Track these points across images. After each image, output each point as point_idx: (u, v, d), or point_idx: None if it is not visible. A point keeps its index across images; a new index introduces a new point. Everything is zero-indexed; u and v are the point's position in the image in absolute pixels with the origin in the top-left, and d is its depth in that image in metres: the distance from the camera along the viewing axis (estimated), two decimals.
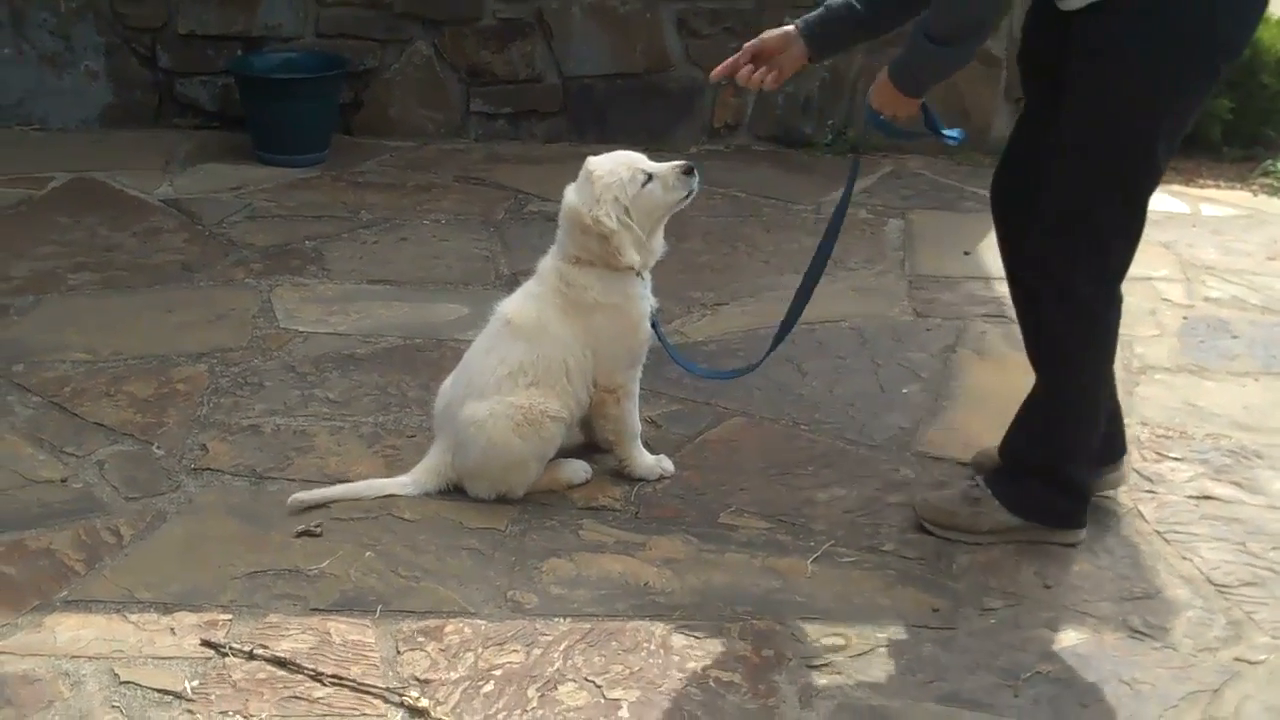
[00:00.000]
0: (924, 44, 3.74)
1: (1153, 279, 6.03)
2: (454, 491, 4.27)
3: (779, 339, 4.42)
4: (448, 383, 4.42)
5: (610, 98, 7.93)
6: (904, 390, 5.01)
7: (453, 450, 4.26)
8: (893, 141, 4.08)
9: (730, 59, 4.21)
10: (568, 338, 4.23)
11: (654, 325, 4.38)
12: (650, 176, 4.24)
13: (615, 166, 4.27)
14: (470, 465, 4.22)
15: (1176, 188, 7.02)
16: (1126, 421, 4.37)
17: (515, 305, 4.34)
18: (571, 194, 4.33)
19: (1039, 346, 4.05)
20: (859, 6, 4.06)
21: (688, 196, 4.29)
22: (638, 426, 4.41)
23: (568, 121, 7.97)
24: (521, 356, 4.21)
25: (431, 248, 6.30)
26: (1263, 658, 3.65)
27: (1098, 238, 3.82)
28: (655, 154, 7.67)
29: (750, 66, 4.17)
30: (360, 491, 4.24)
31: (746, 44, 4.20)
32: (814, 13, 4.15)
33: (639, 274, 4.30)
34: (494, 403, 4.17)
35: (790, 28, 4.16)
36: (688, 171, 4.27)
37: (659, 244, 4.36)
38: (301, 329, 5.43)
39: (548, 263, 4.37)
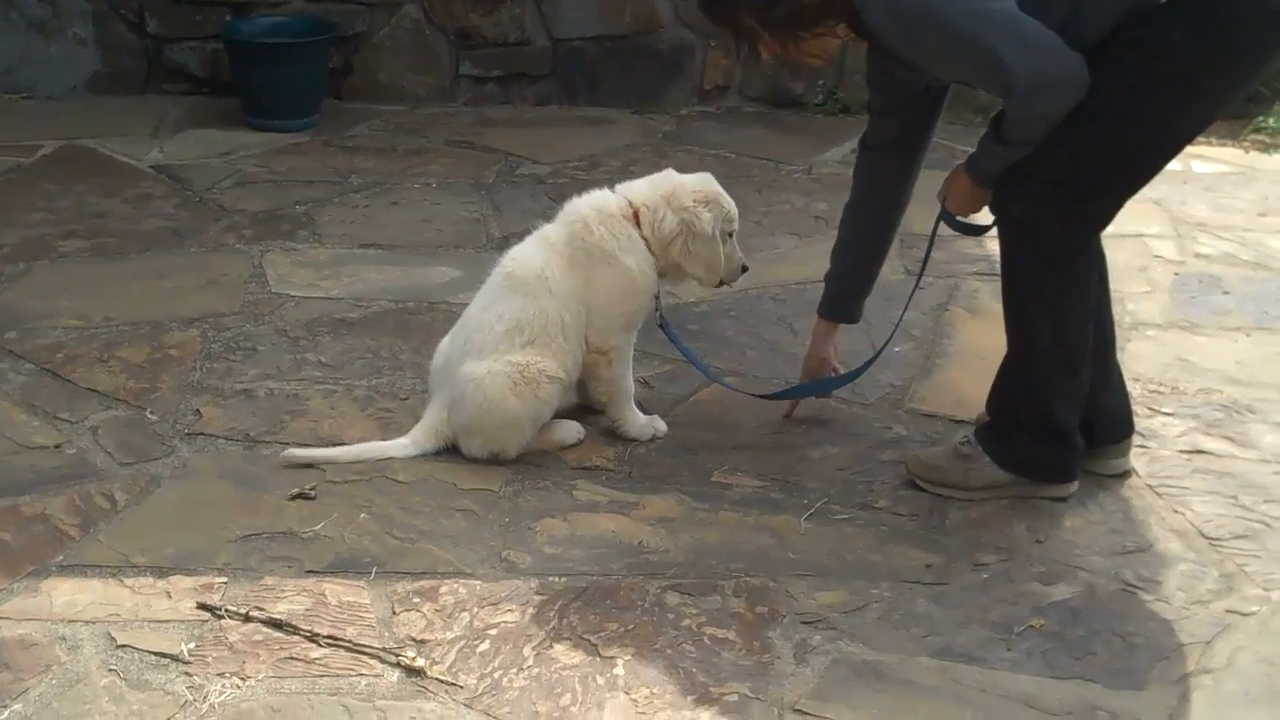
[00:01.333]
0: (998, 149, 3.82)
1: (1144, 236, 6.04)
2: (449, 452, 4.28)
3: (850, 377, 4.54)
4: (445, 340, 4.42)
5: (600, 60, 7.92)
6: (896, 349, 5.00)
7: (449, 408, 4.26)
8: (965, 235, 4.20)
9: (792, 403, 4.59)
10: (566, 291, 4.23)
11: (664, 327, 4.47)
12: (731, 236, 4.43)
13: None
14: (465, 423, 4.23)
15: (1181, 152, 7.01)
16: None
17: (522, 253, 4.36)
18: (689, 177, 4.43)
19: (1013, 296, 4.04)
20: (851, 251, 4.42)
21: (721, 284, 4.48)
22: (630, 388, 4.42)
23: (558, 84, 7.95)
24: (519, 313, 4.21)
25: (422, 211, 6.29)
26: (1254, 609, 3.67)
27: (1091, 199, 3.82)
28: (645, 116, 7.73)
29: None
30: (357, 454, 4.25)
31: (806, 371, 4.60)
32: (824, 294, 4.51)
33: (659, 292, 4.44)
34: (492, 361, 4.18)
35: (820, 325, 4.54)
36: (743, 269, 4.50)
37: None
38: (293, 293, 5.43)
39: (594, 200, 4.37)
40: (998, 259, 4.00)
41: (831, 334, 4.56)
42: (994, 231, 4.00)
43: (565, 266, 4.26)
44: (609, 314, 4.30)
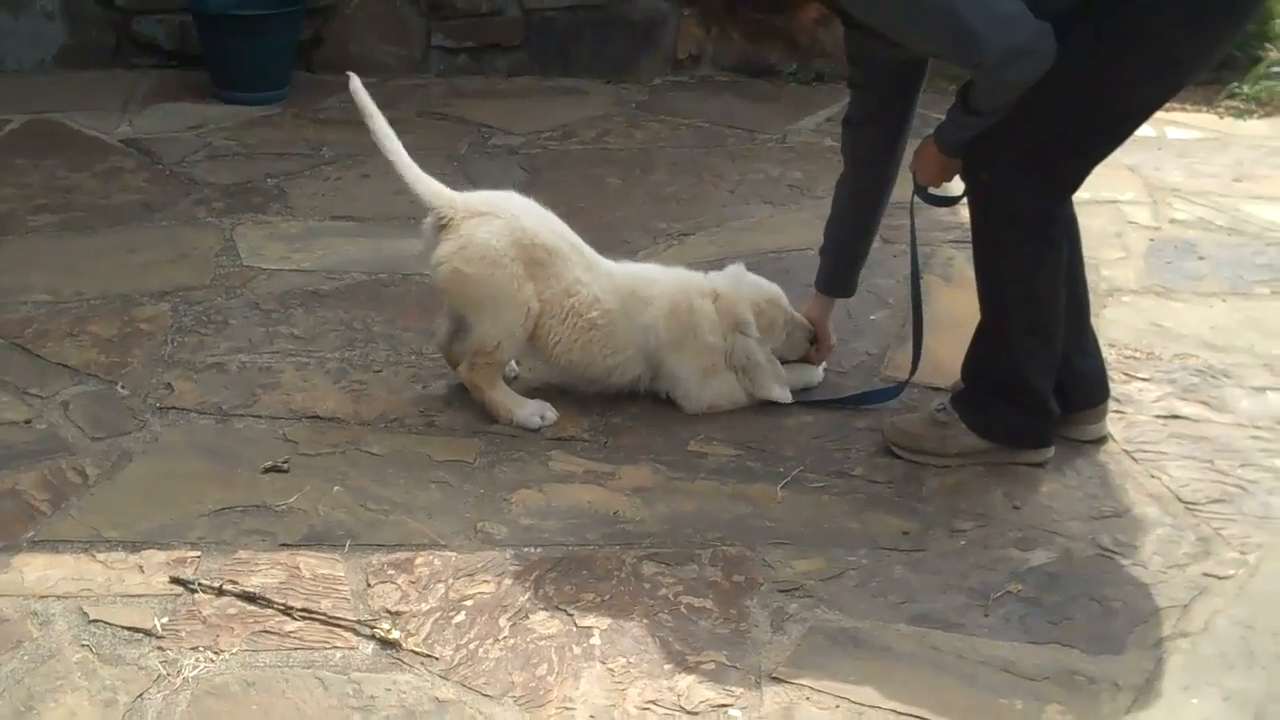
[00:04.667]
0: (966, 118, 3.82)
1: (1119, 202, 6.05)
2: (423, 425, 4.26)
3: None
4: None
5: (572, 30, 7.89)
6: (871, 317, 5.01)
7: None
8: (939, 207, 4.19)
9: None
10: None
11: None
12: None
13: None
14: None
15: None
16: None
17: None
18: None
19: (985, 263, 4.03)
20: (846, 220, 4.42)
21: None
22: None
23: (530, 55, 7.93)
24: None
25: (395, 183, 6.10)
26: (1231, 573, 3.67)
27: (1060, 164, 3.82)
28: (618, 86, 7.71)
29: None
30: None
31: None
32: (820, 269, 4.54)
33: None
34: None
35: (818, 299, 4.59)
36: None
37: None
38: (265, 266, 5.40)
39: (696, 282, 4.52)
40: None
41: (829, 308, 4.57)
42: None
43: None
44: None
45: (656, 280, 4.47)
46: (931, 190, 4.14)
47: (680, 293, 4.42)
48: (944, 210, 4.29)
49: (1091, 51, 3.64)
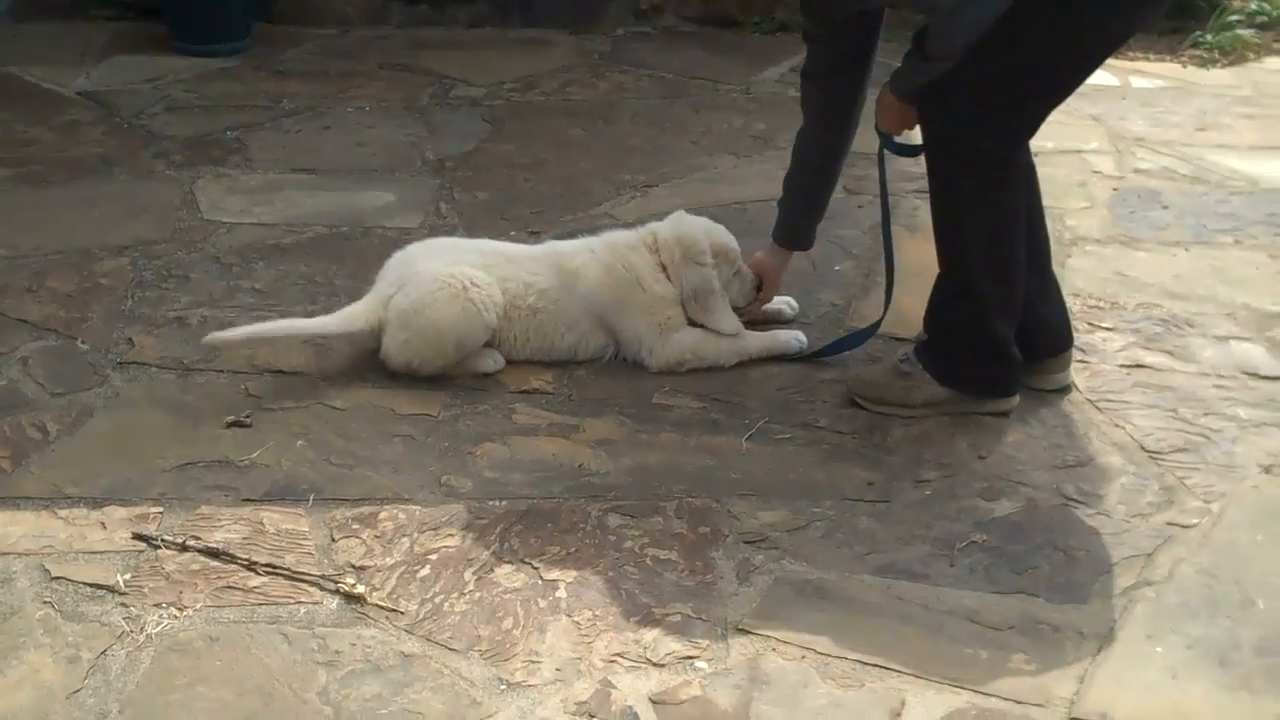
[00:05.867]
0: (921, 64, 3.82)
1: (1083, 151, 6.04)
2: (386, 377, 4.25)
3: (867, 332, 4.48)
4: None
5: None
6: (836, 268, 5.01)
7: (399, 285, 4.27)
8: (904, 157, 4.17)
9: None
10: None
11: None
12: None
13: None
14: (405, 309, 4.22)
15: (1107, 60, 6.99)
16: None
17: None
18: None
19: (943, 211, 4.03)
20: (806, 173, 4.41)
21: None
22: None
23: (491, 5, 7.87)
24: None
25: (356, 135, 6.22)
26: (1194, 521, 3.68)
27: (1016, 109, 3.82)
28: (581, 37, 7.66)
29: None
30: (284, 330, 4.27)
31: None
32: (778, 220, 4.52)
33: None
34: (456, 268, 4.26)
35: (775, 249, 4.55)
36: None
37: None
38: (225, 220, 5.36)
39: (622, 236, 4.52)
40: None
41: (784, 260, 4.56)
42: None
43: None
44: None
45: (579, 249, 4.48)
46: (896, 139, 4.12)
47: (609, 252, 4.42)
48: (909, 160, 4.28)
49: None
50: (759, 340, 4.44)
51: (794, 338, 4.48)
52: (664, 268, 4.39)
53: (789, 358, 4.43)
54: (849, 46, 4.14)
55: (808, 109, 4.33)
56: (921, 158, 4.06)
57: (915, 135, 4.08)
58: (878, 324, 4.40)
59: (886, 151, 4.20)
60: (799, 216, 4.50)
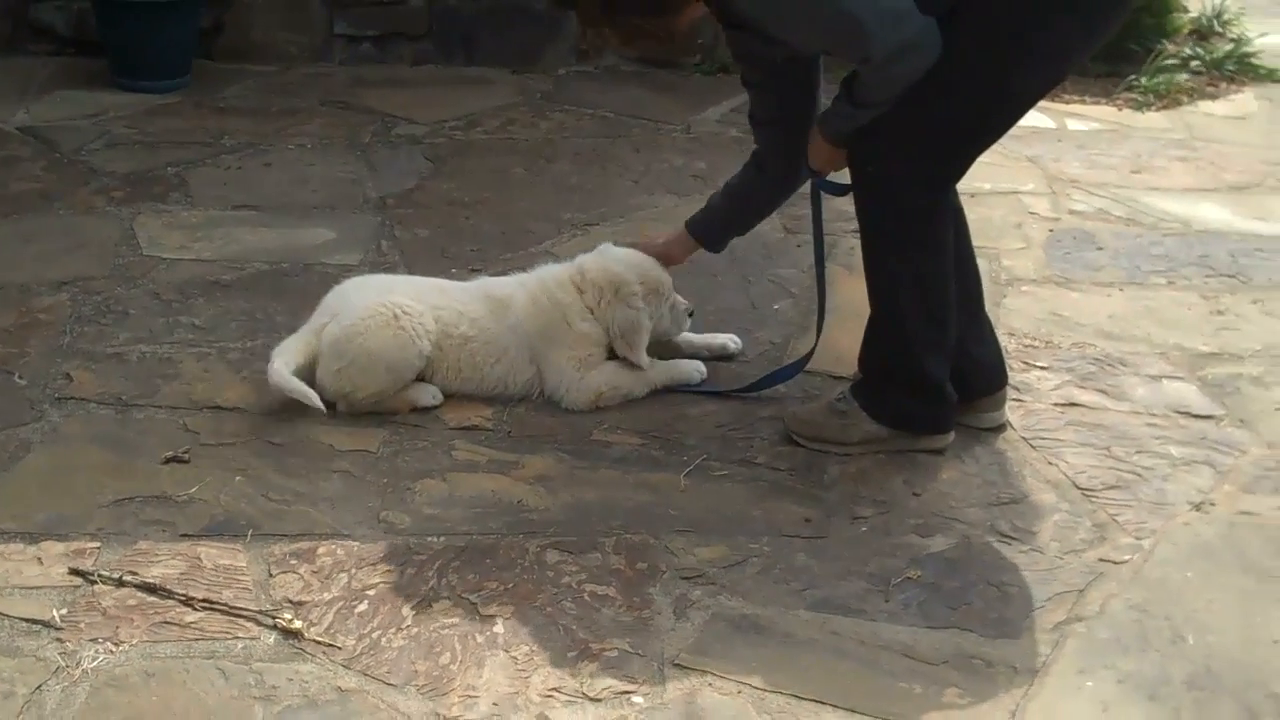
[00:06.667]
0: (850, 110, 3.85)
1: (1019, 193, 6.11)
2: (326, 414, 4.22)
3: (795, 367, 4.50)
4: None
5: (477, 19, 7.86)
6: (775, 306, 5.04)
7: (333, 316, 4.31)
8: (835, 195, 4.21)
9: None
10: None
11: None
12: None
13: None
14: (338, 338, 4.25)
15: (1042, 103, 7.08)
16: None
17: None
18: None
19: (873, 252, 4.07)
20: (747, 193, 4.44)
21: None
22: None
23: (434, 44, 7.89)
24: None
25: (297, 172, 6.22)
26: (1126, 558, 3.72)
27: (943, 156, 3.88)
28: (523, 76, 7.68)
29: None
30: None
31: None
32: (700, 211, 4.56)
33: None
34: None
35: (684, 237, 4.56)
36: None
37: None
38: (165, 256, 5.34)
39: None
40: None
41: (689, 249, 4.59)
42: None
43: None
44: None
45: (510, 283, 4.54)
46: (827, 179, 4.17)
47: (537, 285, 4.46)
48: (845, 200, 4.32)
49: (972, 45, 3.69)
50: (665, 371, 4.49)
51: (695, 369, 4.53)
52: (591, 310, 4.41)
53: (724, 392, 4.46)
54: (788, 93, 4.18)
55: (760, 148, 4.37)
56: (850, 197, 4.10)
57: (845, 174, 4.12)
58: (808, 357, 4.44)
59: (818, 187, 4.24)
60: (721, 223, 4.54)
